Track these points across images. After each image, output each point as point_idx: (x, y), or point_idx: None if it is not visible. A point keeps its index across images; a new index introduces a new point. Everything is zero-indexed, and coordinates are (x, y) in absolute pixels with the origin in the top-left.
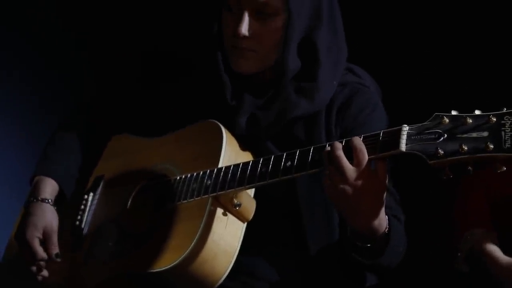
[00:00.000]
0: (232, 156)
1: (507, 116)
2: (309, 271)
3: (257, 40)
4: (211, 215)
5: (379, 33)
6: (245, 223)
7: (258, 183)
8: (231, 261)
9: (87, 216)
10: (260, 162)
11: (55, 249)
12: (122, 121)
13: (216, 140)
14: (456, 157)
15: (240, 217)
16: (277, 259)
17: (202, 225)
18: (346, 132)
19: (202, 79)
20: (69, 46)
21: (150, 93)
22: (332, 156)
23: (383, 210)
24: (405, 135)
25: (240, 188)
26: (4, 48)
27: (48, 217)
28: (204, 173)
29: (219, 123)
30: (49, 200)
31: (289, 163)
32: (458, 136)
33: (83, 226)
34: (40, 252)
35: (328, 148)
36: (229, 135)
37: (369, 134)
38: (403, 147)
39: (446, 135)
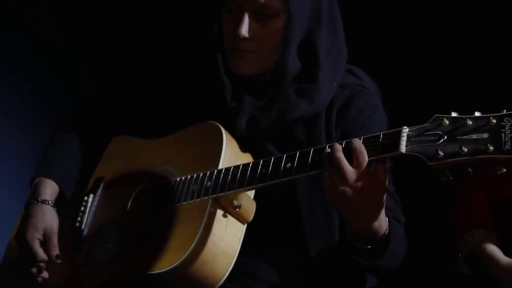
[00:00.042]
0: (232, 157)
1: (507, 118)
2: (309, 273)
3: (257, 42)
4: (211, 217)
5: (379, 34)
6: (245, 225)
7: (258, 185)
8: (231, 263)
9: (87, 218)
10: (260, 163)
11: (55, 251)
12: (122, 122)
13: (216, 141)
14: (456, 159)
15: (240, 218)
16: (277, 261)
17: (202, 227)
18: (346, 133)
19: (202, 80)
20: (69, 47)
21: (150, 95)
22: (332, 158)
23: (383, 212)
24: (405, 137)
25: (240, 189)
26: (4, 49)
27: (48, 218)
28: (204, 174)
29: (219, 125)
30: (49, 202)
31: (289, 164)
32: (458, 137)
33: (83, 227)
34: (40, 253)
35: (328, 150)
36: (229, 136)
37: (369, 135)
38: (403, 148)
39: (446, 137)
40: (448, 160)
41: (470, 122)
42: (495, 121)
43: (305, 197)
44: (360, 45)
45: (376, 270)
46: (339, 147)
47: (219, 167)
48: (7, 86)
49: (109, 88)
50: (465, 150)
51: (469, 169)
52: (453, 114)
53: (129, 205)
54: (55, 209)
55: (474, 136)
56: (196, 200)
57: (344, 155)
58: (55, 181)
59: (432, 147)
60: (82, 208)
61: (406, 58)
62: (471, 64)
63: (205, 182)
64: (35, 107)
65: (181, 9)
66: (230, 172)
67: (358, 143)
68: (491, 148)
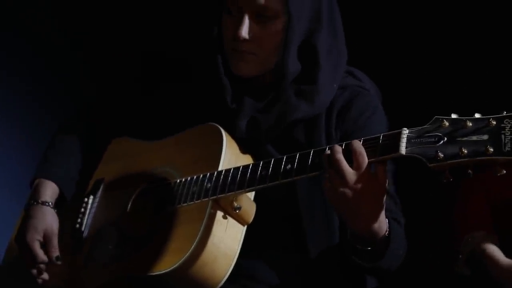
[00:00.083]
0: (232, 159)
1: (507, 120)
2: (309, 274)
3: (257, 43)
4: (211, 218)
5: (379, 36)
6: (245, 226)
7: (258, 186)
8: (231, 264)
9: (87, 219)
10: (260, 165)
11: (56, 252)
12: (122, 124)
13: (216, 143)
14: (456, 160)
15: (240, 220)
16: (277, 262)
17: (202, 228)
18: (346, 135)
19: (202, 82)
20: (69, 49)
21: (150, 96)
22: (332, 159)
23: (383, 213)
24: (405, 138)
25: (240, 191)
26: (4, 50)
27: (48, 220)
28: (204, 176)
29: (219, 126)
30: (50, 203)
31: (289, 166)
32: (458, 139)
33: (83, 229)
34: (41, 255)
35: (328, 152)
36: (229, 138)
37: (369, 137)
38: (403, 150)
39: (446, 138)
40: (448, 161)
41: (470, 124)
42: (495, 122)
43: (305, 198)
44: (360, 47)
45: (376, 272)
46: (339, 149)
47: (219, 169)
48: (7, 87)
49: (109, 88)
50: (465, 151)
51: (469, 171)
52: (453, 116)
53: (129, 207)
54: (55, 210)
55: (474, 138)
56: (196, 201)
57: (344, 156)
58: (55, 183)
59: (432, 148)
60: (82, 210)
61: (406, 60)
62: (471, 66)
63: (205, 183)
64: (35, 108)
65: (181, 10)
66: (230, 174)
67: (358, 144)
68: (491, 149)
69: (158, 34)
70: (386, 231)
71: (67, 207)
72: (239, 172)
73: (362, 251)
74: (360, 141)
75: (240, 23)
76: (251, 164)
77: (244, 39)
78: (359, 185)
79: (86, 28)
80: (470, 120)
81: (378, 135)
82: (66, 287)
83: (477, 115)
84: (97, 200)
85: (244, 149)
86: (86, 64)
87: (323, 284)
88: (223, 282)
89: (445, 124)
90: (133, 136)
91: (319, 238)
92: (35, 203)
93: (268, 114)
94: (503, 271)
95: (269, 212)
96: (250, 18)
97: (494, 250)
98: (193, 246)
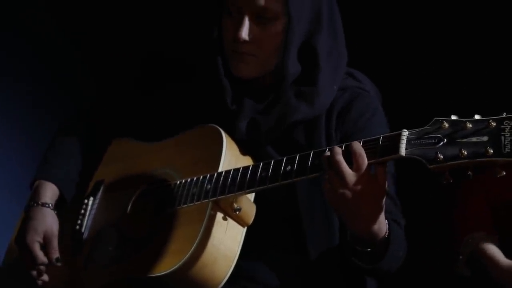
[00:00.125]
0: (232, 160)
1: (506, 121)
2: (309, 276)
3: (257, 45)
4: (211, 220)
5: (379, 37)
6: (245, 228)
7: (258, 188)
8: (231, 266)
9: (87, 221)
10: (260, 166)
11: (56, 254)
12: (122, 125)
13: (216, 144)
14: (456, 162)
15: (240, 221)
16: (277, 264)
17: (202, 230)
18: (346, 136)
19: (202, 83)
20: (69, 49)
21: (150, 97)
22: (331, 161)
23: (382, 215)
24: (405, 140)
25: (240, 192)
26: (4, 50)
27: (48, 221)
28: (204, 177)
29: (219, 128)
30: (50, 205)
31: (289, 167)
32: (458, 140)
33: (83, 230)
34: (41, 256)
35: (328, 153)
36: (229, 139)
37: (369, 138)
38: (403, 151)
39: (446, 140)
40: (448, 163)
41: (470, 125)
42: (494, 124)
43: (305, 200)
44: (360, 48)
45: (376, 273)
46: (339, 150)
47: (219, 170)
48: (6, 87)
49: (109, 89)
50: (465, 153)
51: (469, 172)
52: (453, 117)
53: (129, 208)
54: (55, 212)
55: (474, 139)
56: (196, 203)
57: (344, 158)
58: (55, 184)
59: (432, 150)
60: (82, 211)
61: (406, 61)
62: (471, 67)
63: (205, 185)
64: (35, 109)
65: (181, 11)
66: (230, 175)
67: (358, 146)
68: (491, 151)
69: (159, 35)
70: (386, 232)
71: (67, 209)
72: (239, 173)
73: (362, 253)
74: (360, 143)
75: (240, 24)
76: (251, 166)
77: (244, 41)
78: (359, 187)
79: (86, 28)
80: (470, 121)
81: (378, 136)
82: None
83: (477, 117)
84: (97, 201)
85: (244, 151)
86: (86, 65)
87: (323, 286)
88: (223, 283)
89: (445, 125)
90: (133, 136)
91: (319, 239)
92: (35, 204)
93: (268, 116)
94: (503, 272)
95: (269, 214)
96: (250, 20)
97: (494, 251)
98: (193, 248)
